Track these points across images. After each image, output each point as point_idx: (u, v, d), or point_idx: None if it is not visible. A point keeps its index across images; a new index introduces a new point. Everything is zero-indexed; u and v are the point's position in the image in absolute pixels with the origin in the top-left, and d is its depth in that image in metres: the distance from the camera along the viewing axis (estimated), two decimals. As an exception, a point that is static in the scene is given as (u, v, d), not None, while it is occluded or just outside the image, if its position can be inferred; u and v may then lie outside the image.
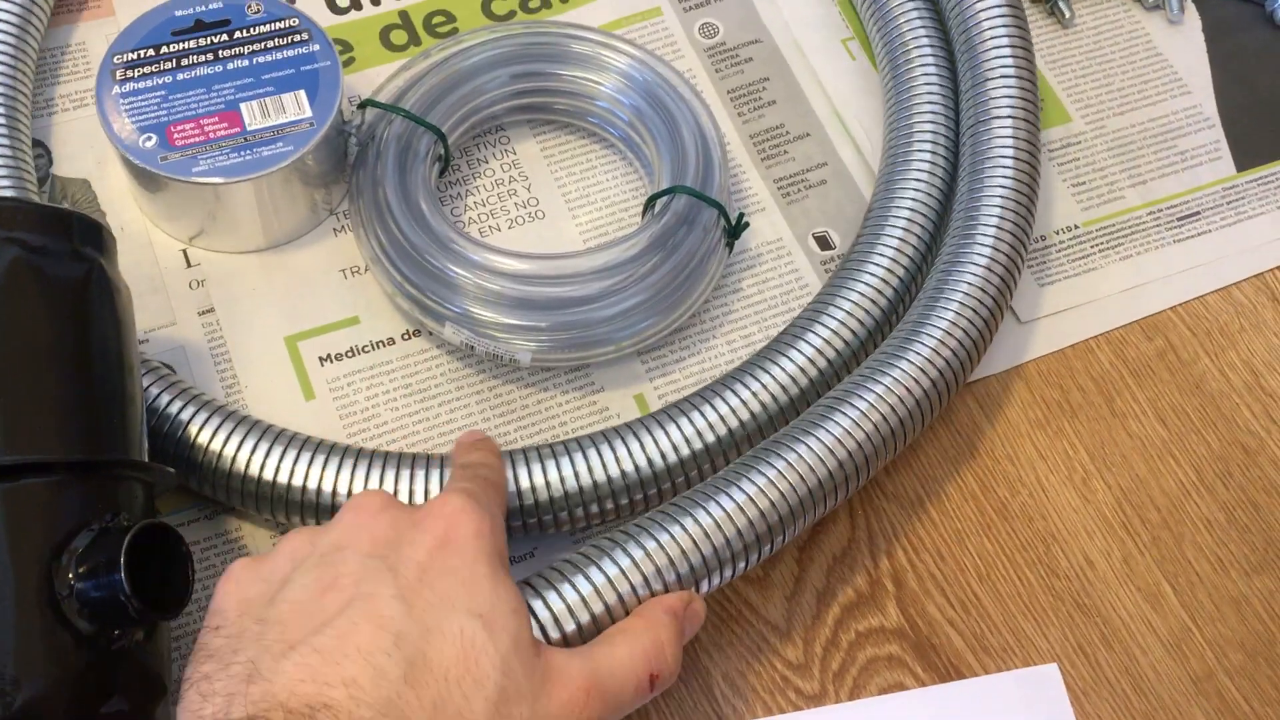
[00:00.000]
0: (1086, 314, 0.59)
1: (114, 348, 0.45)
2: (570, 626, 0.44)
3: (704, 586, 0.47)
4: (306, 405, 0.55)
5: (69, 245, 0.45)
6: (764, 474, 0.48)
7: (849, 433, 0.49)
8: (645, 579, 0.45)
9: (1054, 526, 0.54)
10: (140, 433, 0.46)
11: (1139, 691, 0.51)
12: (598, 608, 0.45)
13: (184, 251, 0.58)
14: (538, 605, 0.44)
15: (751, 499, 0.47)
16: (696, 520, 0.47)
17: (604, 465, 0.50)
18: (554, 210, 0.61)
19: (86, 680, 0.40)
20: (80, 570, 0.40)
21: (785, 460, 0.48)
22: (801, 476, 0.48)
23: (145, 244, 0.58)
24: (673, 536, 0.46)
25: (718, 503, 0.47)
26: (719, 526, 0.47)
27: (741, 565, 0.48)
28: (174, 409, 0.50)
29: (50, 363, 0.43)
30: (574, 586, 0.45)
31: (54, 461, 0.42)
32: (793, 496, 0.48)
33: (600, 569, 0.45)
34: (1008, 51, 0.59)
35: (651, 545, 0.46)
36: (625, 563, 0.46)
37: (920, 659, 0.51)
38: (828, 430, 0.49)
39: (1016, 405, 0.57)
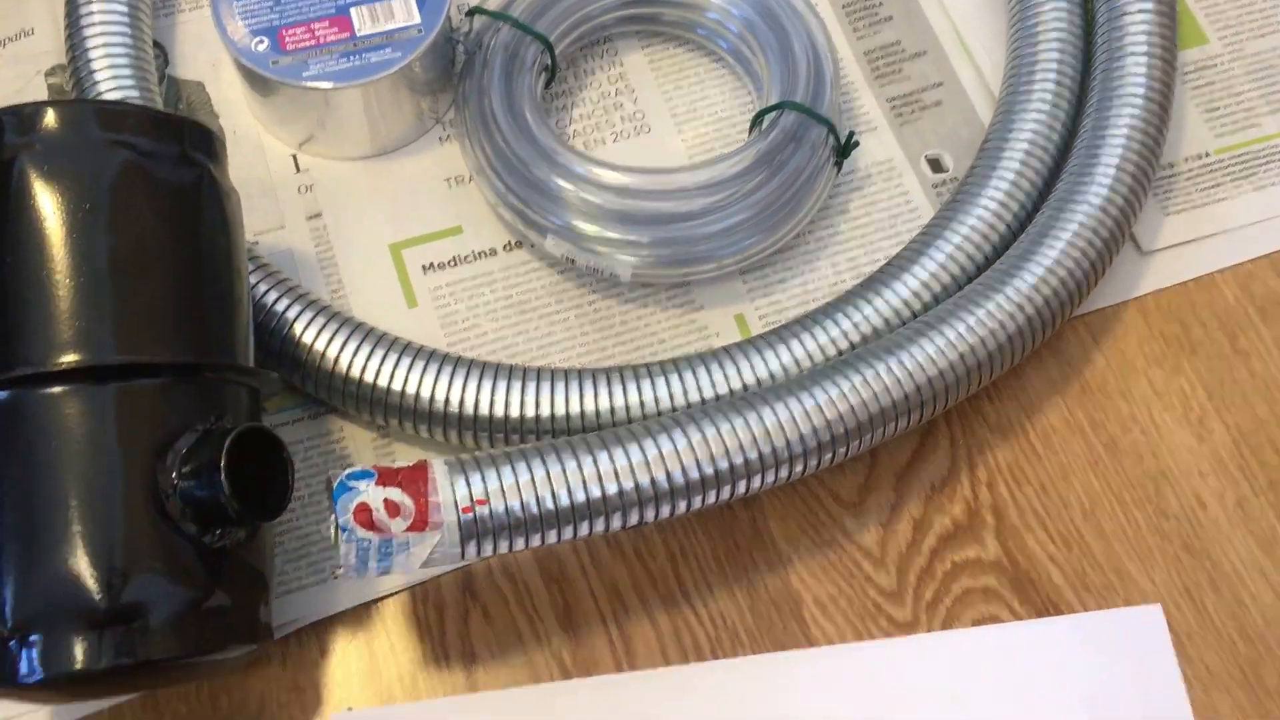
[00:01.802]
0: (1213, 246, 0.57)
1: (223, 253, 0.46)
2: (612, 488, 0.44)
3: (755, 483, 0.47)
4: (409, 313, 0.55)
5: (180, 150, 0.45)
6: (838, 385, 0.47)
7: (933, 359, 0.48)
8: (697, 461, 0.45)
9: (1165, 465, 0.53)
10: (247, 338, 0.46)
11: (1246, 638, 0.49)
12: (646, 477, 0.45)
13: (294, 157, 0.59)
14: (602, 457, 0.44)
15: (820, 407, 0.47)
16: (762, 417, 0.46)
17: (699, 389, 0.50)
18: (660, 125, 0.60)
19: (190, 576, 0.42)
20: (184, 470, 0.41)
21: (862, 375, 0.47)
22: (876, 394, 0.47)
23: (257, 148, 0.58)
24: (733, 427, 0.46)
25: (786, 404, 0.47)
26: (782, 427, 0.46)
27: (799, 468, 0.47)
28: (281, 306, 0.51)
29: (160, 266, 0.44)
30: (635, 449, 0.45)
31: (162, 363, 0.42)
32: (862, 412, 0.47)
33: (655, 441, 0.45)
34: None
35: (710, 432, 0.46)
36: (681, 443, 0.45)
37: (1017, 593, 0.50)
38: (911, 354, 0.48)
39: (1132, 339, 0.55)
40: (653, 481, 0.45)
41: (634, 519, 0.45)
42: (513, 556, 0.51)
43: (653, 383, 0.50)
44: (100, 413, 0.41)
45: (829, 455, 0.48)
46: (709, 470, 0.46)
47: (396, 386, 0.50)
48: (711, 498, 0.46)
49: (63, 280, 0.42)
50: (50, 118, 0.43)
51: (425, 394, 0.50)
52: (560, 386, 0.50)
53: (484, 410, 0.50)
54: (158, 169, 0.44)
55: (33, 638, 0.40)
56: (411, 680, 0.49)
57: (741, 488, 0.47)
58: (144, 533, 0.41)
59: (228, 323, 0.45)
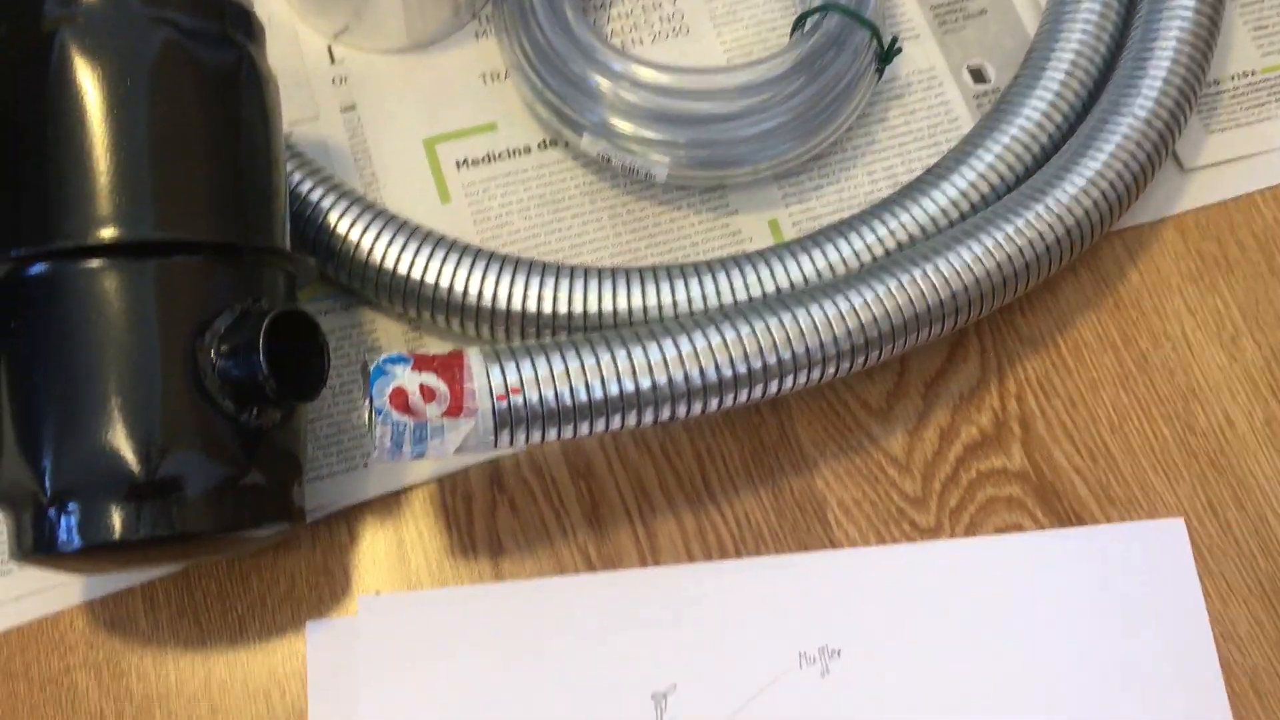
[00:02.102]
0: (1255, 165, 0.56)
1: (262, 136, 0.46)
2: (645, 383, 0.44)
3: (784, 384, 0.47)
4: (442, 208, 0.55)
5: (221, 30, 0.45)
6: (871, 289, 0.47)
7: (969, 266, 0.48)
8: (731, 359, 0.45)
9: (1196, 383, 0.53)
10: (284, 222, 0.46)
11: (1267, 554, 0.50)
12: (680, 372, 0.45)
13: (329, 48, 0.58)
14: (636, 351, 0.44)
15: (854, 310, 0.47)
16: (797, 318, 0.46)
17: (731, 291, 0.50)
18: (699, 26, 0.59)
19: (226, 452, 0.42)
20: (222, 349, 0.42)
21: (898, 280, 0.47)
22: (911, 299, 0.47)
23: (291, 37, 0.58)
24: (767, 327, 0.46)
25: (819, 306, 0.47)
26: (816, 329, 0.46)
27: (829, 371, 0.47)
28: (315, 196, 0.50)
29: (199, 145, 0.44)
30: (669, 345, 0.45)
31: (202, 242, 0.43)
32: (895, 317, 0.47)
33: (689, 338, 0.45)
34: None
35: (743, 331, 0.46)
36: (714, 340, 0.45)
37: (1041, 503, 0.51)
38: (947, 260, 0.48)
39: (1169, 256, 0.55)
40: (686, 378, 0.45)
41: (664, 415, 0.46)
42: (541, 451, 0.52)
43: (685, 283, 0.50)
44: (139, 288, 0.41)
45: (859, 359, 0.48)
46: (740, 369, 0.46)
47: (429, 279, 0.50)
48: (741, 397, 0.46)
49: (103, 156, 0.41)
50: (92, -9, 0.43)
51: (458, 287, 0.50)
52: (593, 284, 0.50)
53: (515, 305, 0.50)
54: (199, 48, 0.44)
55: (71, 506, 0.40)
56: (438, 568, 0.50)
57: (771, 388, 0.47)
58: (182, 409, 0.41)
59: (266, 205, 0.45)
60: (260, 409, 0.43)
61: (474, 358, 0.44)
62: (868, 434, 0.52)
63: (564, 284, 0.50)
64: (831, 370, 0.47)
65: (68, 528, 0.40)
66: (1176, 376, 0.53)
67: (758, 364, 0.46)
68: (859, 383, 0.53)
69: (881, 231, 0.51)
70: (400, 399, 0.42)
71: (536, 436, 0.44)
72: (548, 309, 0.50)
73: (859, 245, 0.51)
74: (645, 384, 0.45)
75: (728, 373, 0.46)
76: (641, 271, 0.51)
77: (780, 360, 0.46)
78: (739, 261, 0.51)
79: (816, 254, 0.51)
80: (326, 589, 0.49)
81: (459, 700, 0.47)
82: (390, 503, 0.51)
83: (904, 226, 0.51)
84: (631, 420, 0.45)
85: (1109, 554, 0.49)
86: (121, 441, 0.40)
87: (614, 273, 0.50)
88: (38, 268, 0.41)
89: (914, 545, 0.50)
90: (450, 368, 0.43)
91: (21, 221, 0.41)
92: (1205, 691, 0.47)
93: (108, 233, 0.41)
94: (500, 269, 0.50)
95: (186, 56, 0.44)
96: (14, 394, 0.41)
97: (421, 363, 0.43)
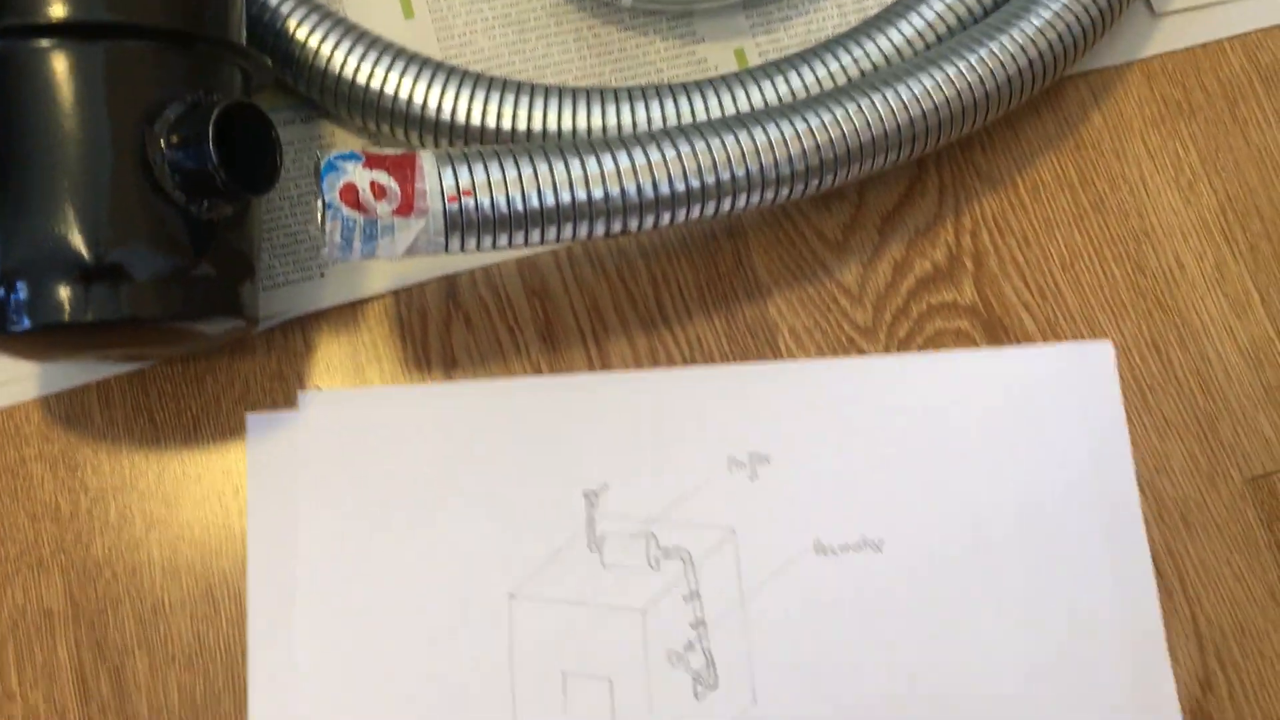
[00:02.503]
0: (1229, 12, 0.56)
1: (217, -69, 0.45)
2: (598, 192, 0.45)
3: (738, 202, 0.47)
4: (405, 23, 0.55)
5: None
6: (830, 111, 0.47)
7: (929, 92, 0.48)
8: (684, 172, 0.45)
9: (1150, 225, 0.53)
10: (240, 18, 0.46)
11: (1207, 392, 0.51)
12: (632, 184, 0.45)
13: None
14: (590, 161, 0.45)
15: (811, 130, 0.47)
16: (752, 135, 0.46)
17: (693, 113, 0.50)
18: None
19: (176, 242, 0.42)
20: (173, 139, 0.42)
21: (856, 104, 0.47)
22: (868, 123, 0.47)
23: None
24: (722, 143, 0.46)
25: (776, 125, 0.47)
26: (771, 147, 0.46)
27: (784, 192, 0.47)
28: (275, 0, 0.50)
29: (153, -67, 0.43)
30: (624, 156, 0.45)
31: (153, 26, 0.42)
32: (852, 140, 0.47)
33: (644, 150, 0.45)
34: None
35: (699, 146, 0.46)
36: (670, 154, 0.46)
37: (989, 336, 0.51)
38: (907, 86, 0.48)
39: (1132, 100, 0.55)
40: (639, 189, 0.45)
41: (615, 227, 0.46)
42: (497, 269, 0.52)
43: (645, 104, 0.50)
44: (89, 70, 0.41)
45: (814, 182, 0.48)
46: (693, 183, 0.46)
47: (389, 90, 0.50)
48: (694, 212, 0.47)
49: (53, -64, 0.41)
50: None
51: (417, 100, 0.50)
52: (554, 102, 0.50)
53: (475, 121, 0.50)
54: None
55: (20, 287, 0.41)
56: (392, 379, 0.50)
57: (724, 206, 0.47)
58: (132, 196, 0.41)
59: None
60: (211, 202, 0.43)
61: (426, 159, 0.44)
62: (822, 265, 0.52)
63: (524, 101, 0.50)
64: (785, 191, 0.48)
65: (17, 308, 0.41)
66: (1131, 219, 0.53)
67: (711, 179, 0.46)
68: (816, 214, 0.53)
69: (845, 60, 0.51)
70: (351, 195, 0.42)
71: (488, 242, 0.45)
72: (507, 125, 0.50)
73: (821, 73, 0.51)
74: (598, 194, 0.45)
75: (680, 187, 0.46)
76: (603, 91, 0.50)
77: (734, 177, 0.46)
78: (700, 85, 0.50)
79: (779, 79, 0.50)
80: (280, 393, 0.50)
81: (397, 496, 0.48)
82: (346, 313, 0.51)
83: (868, 55, 0.51)
84: (583, 230, 0.46)
85: (1037, 372, 0.50)
86: (70, 225, 0.41)
87: (574, 92, 0.50)
88: (-13, 47, 0.41)
89: (850, 359, 0.50)
90: (402, 167, 0.43)
91: (-29, 1, 0.41)
92: (1122, 511, 0.49)
93: (58, 11, 0.41)
94: (461, 83, 0.50)
95: None
96: (-36, 175, 0.41)
97: (373, 161, 0.43)
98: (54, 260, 0.41)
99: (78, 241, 0.41)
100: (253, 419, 0.49)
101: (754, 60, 0.55)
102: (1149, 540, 0.49)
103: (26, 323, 0.41)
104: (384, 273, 0.51)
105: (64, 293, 0.41)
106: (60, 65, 0.41)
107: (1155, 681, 0.47)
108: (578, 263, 0.52)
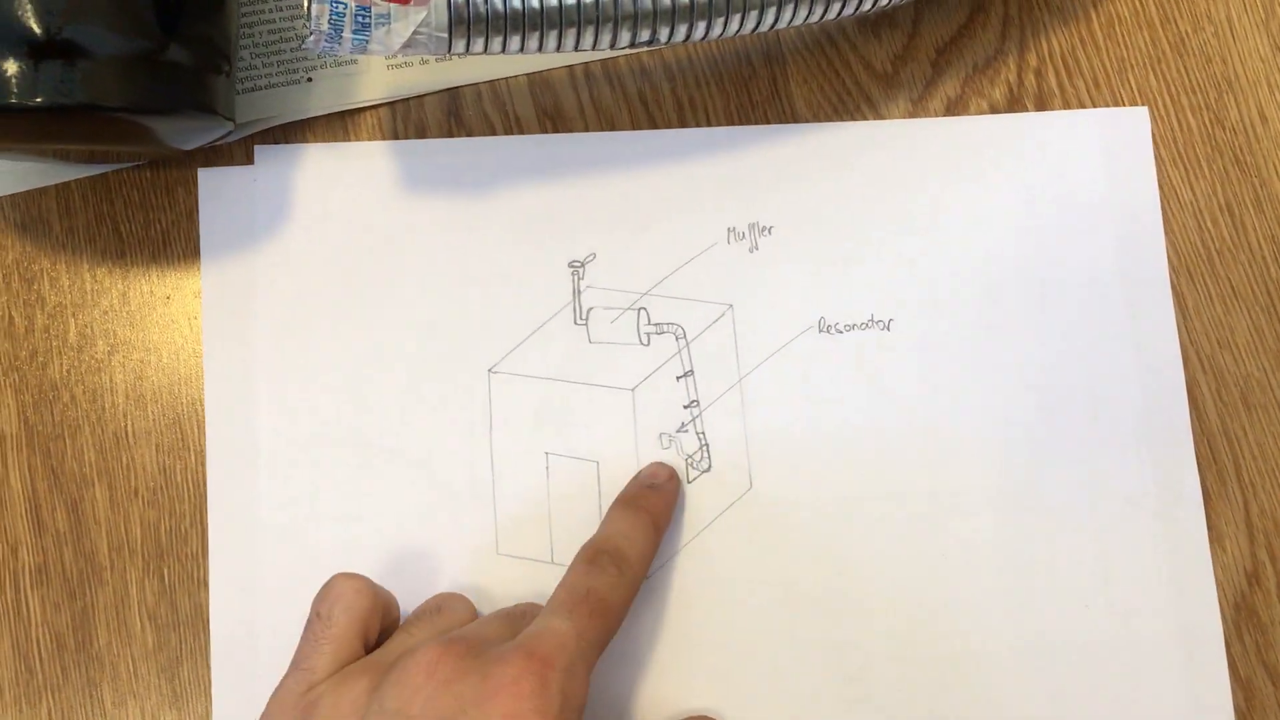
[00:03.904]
0: None
1: None
2: None
3: (767, 18, 0.41)
4: None
5: None
6: None
7: None
8: None
9: (1234, 72, 0.48)
10: None
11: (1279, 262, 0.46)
12: None
13: None
14: None
15: None
16: None
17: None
18: None
19: (140, 19, 0.37)
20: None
21: None
22: None
23: None
24: None
25: None
26: None
27: (819, 11, 0.42)
28: None
29: None
30: None
31: None
32: None
33: None
34: None
35: None
36: None
37: (1046, 187, 0.46)
38: None
39: (1225, -69, 0.49)
40: None
41: (644, 35, 0.40)
42: (505, 85, 0.47)
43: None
44: None
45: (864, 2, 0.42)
46: (733, -11, 0.40)
47: None
48: (733, 24, 0.41)
49: None
50: None
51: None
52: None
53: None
54: None
55: (-39, 61, 0.35)
56: (384, 199, 0.45)
57: (768, 18, 0.41)
58: (89, -38, 0.36)
59: None
60: (183, -23, 0.37)
61: (431, -59, 0.38)
62: (867, 98, 0.47)
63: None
64: (836, 7, 0.42)
65: (-42, 86, 0.36)
66: (1213, 64, 0.48)
67: (752, -14, 0.40)
68: (864, 41, 0.48)
69: None
70: (342, -25, 0.37)
71: (497, 44, 0.39)
72: None
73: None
74: (624, -5, 0.39)
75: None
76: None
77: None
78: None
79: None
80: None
81: (365, 262, 0.44)
82: (335, 123, 0.46)
83: None
84: (605, 38, 0.40)
85: (1065, 138, 0.46)
86: (18, -9, 0.35)
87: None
88: None
89: (865, 123, 0.46)
90: (403, -52, 0.38)
91: None
92: (1152, 287, 0.45)
93: None
94: None
95: None
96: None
97: (370, -62, 0.37)
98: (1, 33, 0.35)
99: (26, 11, 0.35)
100: (205, 174, 0.44)
101: None
102: (1205, 418, 0.45)
103: (-33, 103, 0.36)
104: (379, 80, 0.46)
105: (9, 69, 0.35)
106: None
107: (1180, 476, 0.44)
108: (595, 81, 0.47)
